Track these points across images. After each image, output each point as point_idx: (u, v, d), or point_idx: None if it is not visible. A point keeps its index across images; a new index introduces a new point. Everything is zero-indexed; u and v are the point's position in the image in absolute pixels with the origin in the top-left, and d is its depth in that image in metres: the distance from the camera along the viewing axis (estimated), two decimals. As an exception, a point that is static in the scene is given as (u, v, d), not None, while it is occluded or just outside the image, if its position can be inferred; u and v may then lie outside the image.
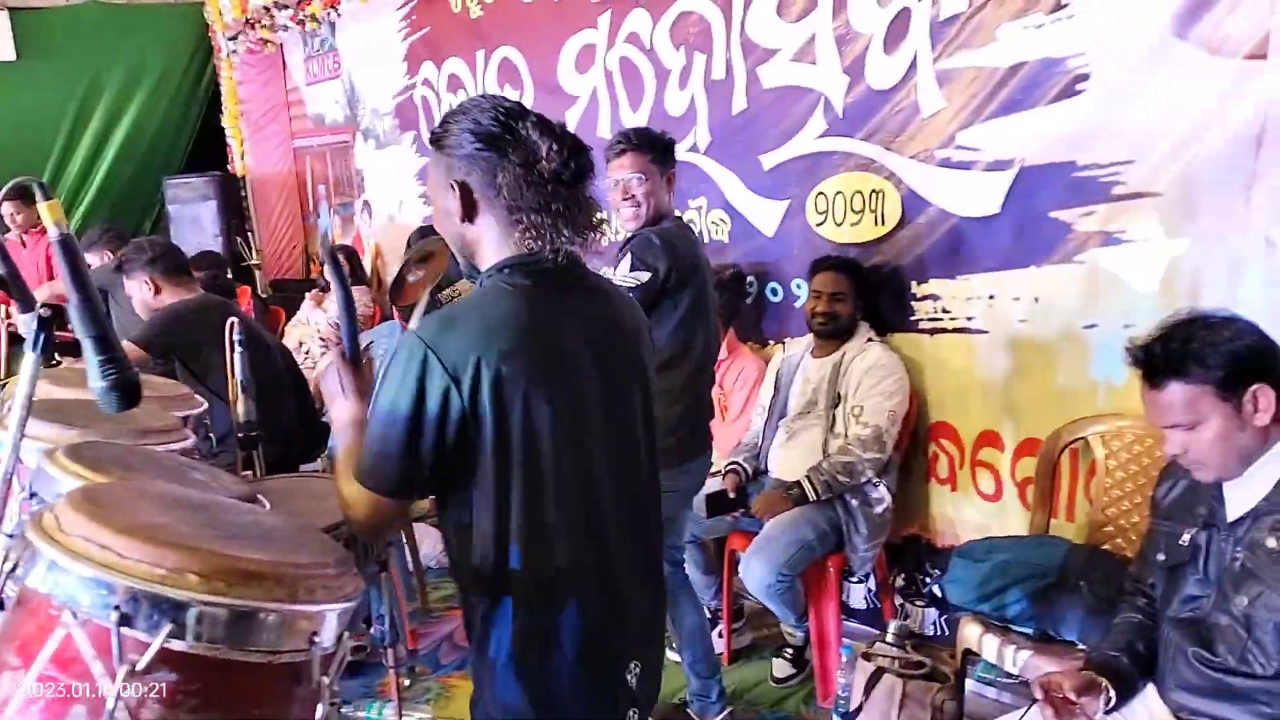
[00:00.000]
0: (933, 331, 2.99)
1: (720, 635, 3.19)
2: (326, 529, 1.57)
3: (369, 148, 5.74)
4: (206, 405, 2.22)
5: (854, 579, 3.21)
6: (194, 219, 6.38)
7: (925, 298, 2.99)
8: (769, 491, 2.96)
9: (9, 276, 1.92)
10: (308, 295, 5.39)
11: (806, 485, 2.86)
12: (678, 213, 2.72)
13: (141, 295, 3.28)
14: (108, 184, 6.61)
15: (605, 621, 1.40)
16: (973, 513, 2.96)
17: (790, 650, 3.08)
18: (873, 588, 3.24)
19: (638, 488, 1.48)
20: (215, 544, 1.14)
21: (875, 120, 3.01)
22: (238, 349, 2.17)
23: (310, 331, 5.21)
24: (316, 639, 1.16)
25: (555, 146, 1.34)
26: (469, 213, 1.39)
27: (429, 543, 3.76)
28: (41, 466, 1.48)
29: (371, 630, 2.37)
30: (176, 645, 1.06)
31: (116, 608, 1.04)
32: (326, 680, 1.16)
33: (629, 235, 2.55)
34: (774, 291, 3.46)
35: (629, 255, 2.44)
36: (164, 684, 1.06)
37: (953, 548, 2.80)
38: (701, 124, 3.58)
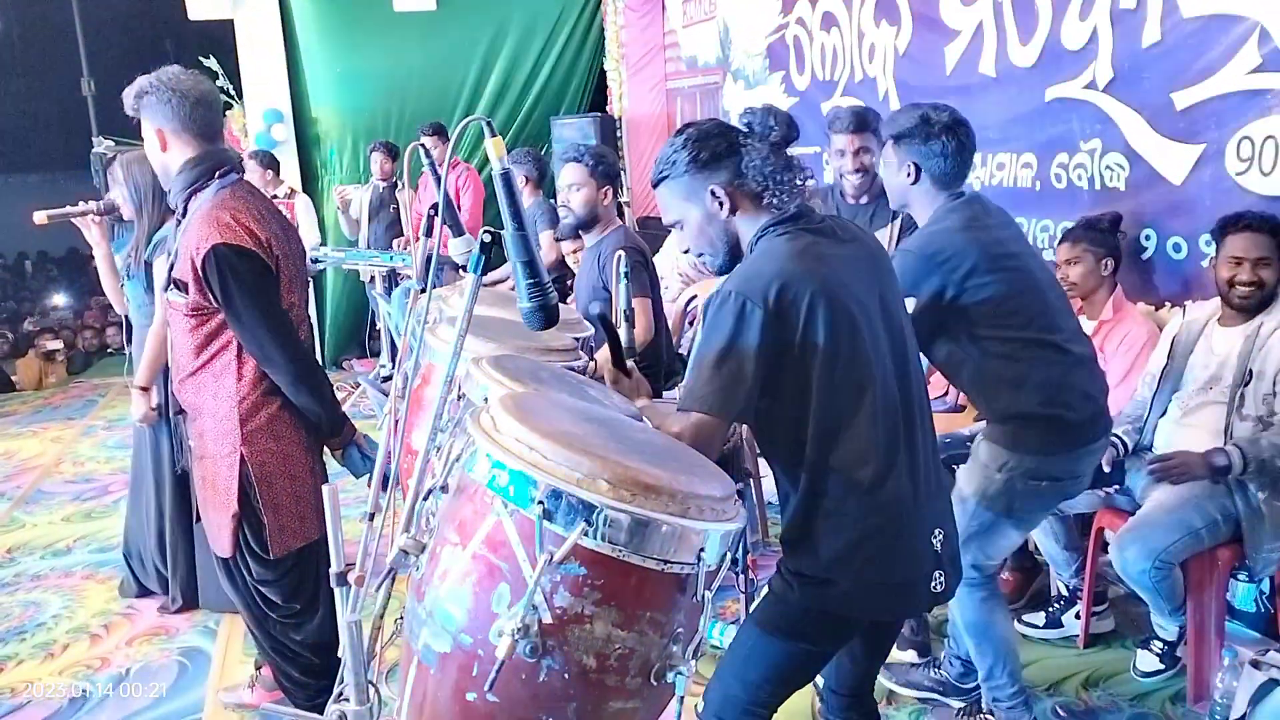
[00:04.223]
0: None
1: (1078, 617, 2.98)
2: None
3: (738, 88, 5.85)
4: (593, 329, 2.41)
5: (1241, 577, 2.85)
6: (575, 157, 6.90)
7: (1379, 265, 2.53)
8: (1188, 454, 2.61)
9: (445, 205, 2.21)
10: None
11: (1235, 455, 2.50)
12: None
13: (595, 195, 3.33)
14: (508, 123, 7.31)
15: (904, 493, 1.66)
16: None
17: (1159, 644, 2.81)
18: (1265, 590, 2.86)
19: (909, 379, 1.73)
20: (621, 456, 1.25)
21: (1327, 53, 2.56)
22: (623, 280, 2.33)
23: (670, 266, 5.48)
24: (703, 555, 1.25)
25: (774, 119, 1.70)
26: (734, 207, 1.72)
27: (771, 479, 3.85)
28: (470, 372, 1.70)
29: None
30: (586, 543, 1.18)
31: (540, 502, 1.18)
32: (709, 595, 1.25)
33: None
34: (1176, 248, 3.10)
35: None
36: (574, 576, 1.19)
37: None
38: (1103, 58, 3.25)
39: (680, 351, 4.31)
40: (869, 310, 1.67)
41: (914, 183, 2.32)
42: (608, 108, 7.36)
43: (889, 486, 1.64)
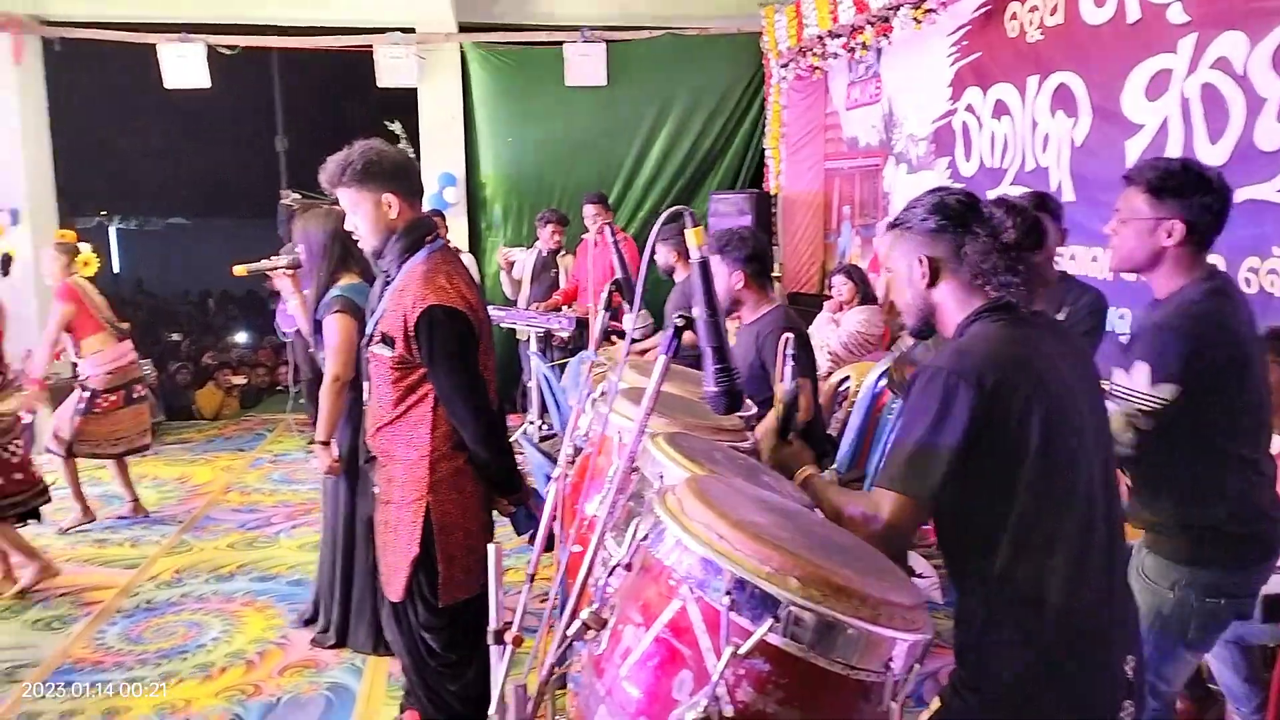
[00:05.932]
0: None
1: (1259, 757, 2.74)
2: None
3: (900, 171, 5.82)
4: (756, 409, 2.41)
5: None
6: (730, 232, 7.00)
7: None
8: None
9: (625, 282, 2.27)
10: (825, 305, 5.62)
11: None
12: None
13: (728, 282, 3.32)
14: (665, 195, 7.50)
15: (1101, 612, 1.58)
16: None
17: (1355, 798, 2.55)
18: None
19: (1112, 489, 1.67)
20: (811, 553, 1.24)
21: None
22: (789, 361, 2.32)
23: (820, 344, 5.44)
24: (891, 664, 1.21)
25: (1013, 219, 1.68)
26: (933, 280, 1.69)
27: (926, 580, 3.73)
28: (646, 446, 1.72)
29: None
30: (772, 639, 1.17)
31: (728, 593, 1.18)
32: (896, 706, 1.21)
33: None
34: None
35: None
36: (759, 671, 1.17)
37: None
38: (1301, 161, 3.10)
39: (830, 433, 4.24)
40: (1082, 413, 1.60)
41: (1176, 244, 2.09)
42: (764, 184, 7.44)
43: (1085, 604, 1.55)
